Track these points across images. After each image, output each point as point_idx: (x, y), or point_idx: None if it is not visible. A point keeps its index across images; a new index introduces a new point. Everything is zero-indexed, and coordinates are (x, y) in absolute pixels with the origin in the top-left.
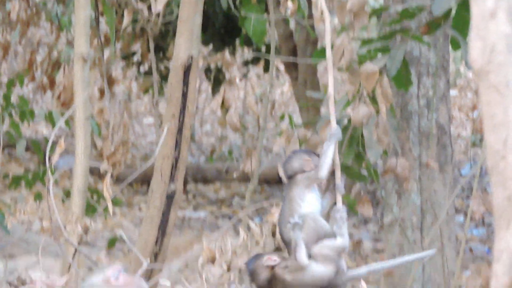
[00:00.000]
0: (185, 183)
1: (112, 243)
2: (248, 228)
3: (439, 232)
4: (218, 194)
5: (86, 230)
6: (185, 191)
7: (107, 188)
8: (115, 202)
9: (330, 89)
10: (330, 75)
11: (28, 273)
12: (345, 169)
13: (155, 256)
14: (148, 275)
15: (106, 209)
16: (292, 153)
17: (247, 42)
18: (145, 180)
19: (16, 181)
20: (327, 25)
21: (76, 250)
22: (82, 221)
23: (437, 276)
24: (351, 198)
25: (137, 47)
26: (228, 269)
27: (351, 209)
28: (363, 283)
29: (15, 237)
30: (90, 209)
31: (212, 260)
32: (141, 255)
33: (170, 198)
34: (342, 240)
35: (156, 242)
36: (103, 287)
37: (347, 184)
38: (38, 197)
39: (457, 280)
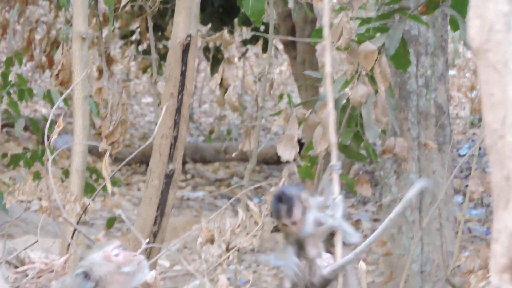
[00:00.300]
0: (184, 163)
1: (110, 223)
2: (247, 208)
3: (438, 212)
4: (216, 174)
5: (85, 209)
6: (184, 171)
7: (105, 167)
8: (114, 182)
9: (328, 69)
10: (327, 55)
11: (27, 253)
12: (343, 149)
13: (154, 236)
14: (147, 255)
15: (105, 188)
16: (286, 197)
17: (246, 21)
18: (144, 160)
19: (14, 160)
20: (325, 4)
21: (75, 230)
22: (81, 200)
23: (436, 256)
24: (349, 178)
25: (135, 26)
26: (227, 249)
27: (350, 189)
28: (362, 264)
29: (13, 217)
30: (89, 189)
31: (211, 240)
32: (140, 235)
33: (168, 177)
34: (332, 221)
35: (155, 222)
36: (104, 263)
37: (346, 164)
38: (37, 176)
39: (456, 260)
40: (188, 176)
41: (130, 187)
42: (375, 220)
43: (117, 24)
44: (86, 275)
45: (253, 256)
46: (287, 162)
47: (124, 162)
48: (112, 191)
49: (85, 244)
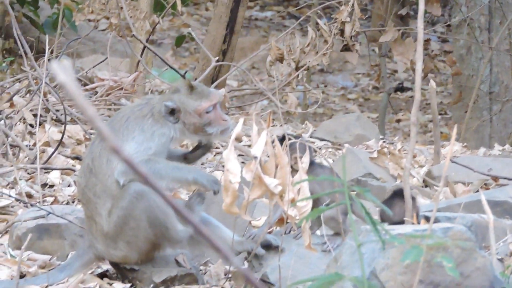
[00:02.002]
0: None
1: (179, 41)
2: (317, 27)
3: (508, 33)
4: None
5: (154, 27)
6: None
7: None
8: (184, 0)
9: None
10: None
11: (95, 72)
12: None
13: (223, 54)
14: (216, 74)
15: (174, 6)
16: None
17: None
18: None
19: None
20: None
21: (144, 47)
22: (151, 18)
23: (504, 77)
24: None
25: None
26: (297, 68)
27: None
28: (432, 83)
29: (82, 35)
30: (158, 7)
31: (280, 59)
32: (209, 52)
33: None
34: None
35: (225, 40)
36: (193, 115)
37: None
38: None
39: None
40: None
41: (199, 7)
42: (444, 41)
43: None
44: (173, 112)
45: (321, 77)
46: None
47: None
48: (181, 11)
49: (155, 65)
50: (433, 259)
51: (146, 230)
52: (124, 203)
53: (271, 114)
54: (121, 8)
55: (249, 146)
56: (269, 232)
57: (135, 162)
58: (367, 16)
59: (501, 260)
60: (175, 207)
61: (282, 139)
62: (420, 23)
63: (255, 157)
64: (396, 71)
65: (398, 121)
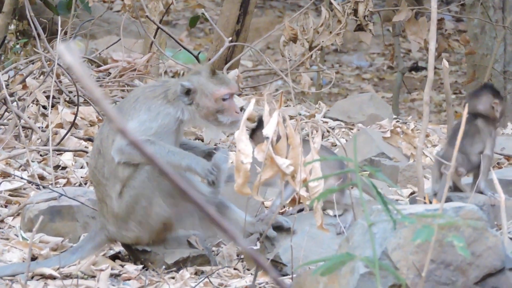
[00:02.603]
0: None
1: (193, 22)
2: (330, 7)
3: None
4: None
5: (167, 7)
6: None
7: None
8: None
9: None
10: None
11: (109, 53)
12: None
13: (237, 35)
14: (230, 54)
15: None
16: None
17: None
18: None
19: None
20: None
21: (157, 29)
22: None
23: None
24: None
25: None
26: (310, 48)
27: None
28: (445, 62)
29: (96, 16)
30: None
31: (294, 39)
32: (223, 33)
33: None
34: None
35: (238, 20)
36: (209, 99)
37: None
38: None
39: None
40: None
41: None
42: (458, 20)
43: None
44: (188, 92)
45: (336, 57)
46: None
47: None
48: None
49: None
50: (445, 238)
51: (159, 208)
52: (135, 182)
53: (282, 94)
54: None
55: None
56: (281, 213)
57: (140, 142)
58: None
59: None
60: (183, 188)
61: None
62: (434, 2)
63: (267, 138)
64: (410, 51)
65: (413, 100)
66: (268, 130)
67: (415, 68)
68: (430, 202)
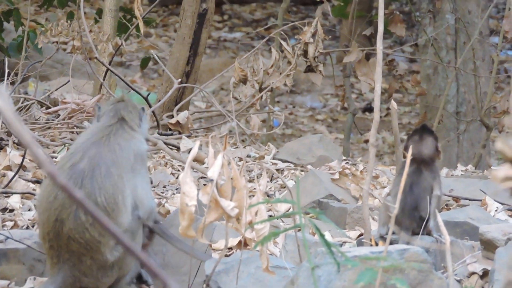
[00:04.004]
0: (221, 3)
1: (144, 63)
2: (281, 48)
3: (472, 53)
4: (253, 15)
5: (117, 49)
6: (221, 12)
7: (138, 6)
8: (148, 22)
9: None
10: None
11: (63, 95)
12: None
13: (187, 76)
14: (180, 96)
15: (138, 28)
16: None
17: None
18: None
19: (48, 0)
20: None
21: (107, 70)
22: (114, 40)
23: (471, 97)
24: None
25: None
26: (260, 89)
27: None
28: (393, 103)
29: (46, 57)
30: (123, 29)
31: (244, 80)
32: (172, 74)
33: (202, 16)
34: None
35: (188, 61)
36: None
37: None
38: (71, 16)
39: (490, 101)
40: (225, 17)
41: (167, 28)
42: (411, 60)
43: None
44: (98, 107)
45: (290, 98)
46: (321, 1)
47: (157, 1)
48: (149, 32)
49: (121, 87)
50: (388, 281)
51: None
52: (134, 226)
53: (227, 136)
54: (83, 30)
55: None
56: (228, 255)
57: (69, 186)
58: (335, 36)
59: (459, 281)
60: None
61: None
62: (379, 43)
63: (211, 180)
64: (365, 92)
65: (367, 141)
66: (212, 172)
67: (369, 109)
68: (377, 244)
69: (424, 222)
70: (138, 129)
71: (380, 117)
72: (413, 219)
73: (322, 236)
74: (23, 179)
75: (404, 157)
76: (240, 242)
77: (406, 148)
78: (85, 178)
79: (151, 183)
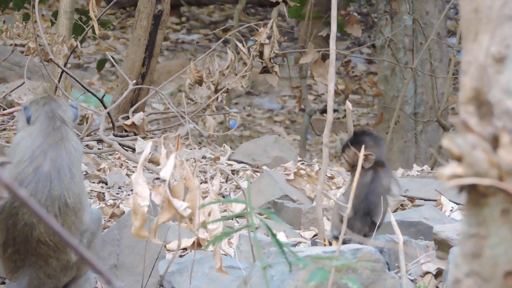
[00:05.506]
0: (179, 5)
1: (101, 65)
2: (237, 50)
3: (429, 54)
4: (211, 17)
5: (72, 50)
6: (179, 14)
7: (92, 7)
8: (104, 24)
9: None
10: None
11: (19, 96)
12: None
13: (143, 77)
14: (136, 97)
15: (93, 30)
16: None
17: None
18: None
19: (4, 2)
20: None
21: (62, 72)
22: (69, 41)
23: (429, 98)
24: (340, 18)
25: None
26: (216, 90)
27: (341, 30)
28: (348, 104)
29: (2, 59)
30: (78, 31)
31: (200, 81)
32: (128, 76)
33: (157, 18)
34: None
35: (143, 63)
36: None
37: (340, 6)
38: (26, 18)
39: (447, 101)
40: (183, 19)
41: (125, 30)
42: (369, 62)
43: None
44: (26, 108)
45: (248, 99)
46: (277, 2)
47: (112, 2)
48: (106, 34)
49: (77, 88)
50: (340, 280)
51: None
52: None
53: (179, 137)
54: (38, 33)
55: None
56: (182, 256)
57: (13, 185)
58: (294, 38)
59: (413, 281)
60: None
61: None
62: (332, 43)
63: (164, 180)
64: (322, 93)
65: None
66: (165, 172)
67: (326, 110)
68: (330, 244)
69: (376, 227)
70: (73, 128)
71: (338, 118)
72: (365, 223)
73: (273, 235)
74: None
75: (347, 161)
76: (194, 242)
77: (343, 150)
78: (53, 181)
79: (106, 184)
